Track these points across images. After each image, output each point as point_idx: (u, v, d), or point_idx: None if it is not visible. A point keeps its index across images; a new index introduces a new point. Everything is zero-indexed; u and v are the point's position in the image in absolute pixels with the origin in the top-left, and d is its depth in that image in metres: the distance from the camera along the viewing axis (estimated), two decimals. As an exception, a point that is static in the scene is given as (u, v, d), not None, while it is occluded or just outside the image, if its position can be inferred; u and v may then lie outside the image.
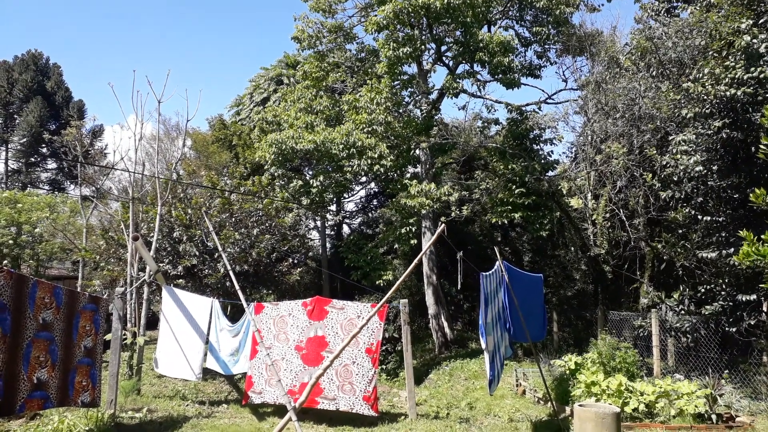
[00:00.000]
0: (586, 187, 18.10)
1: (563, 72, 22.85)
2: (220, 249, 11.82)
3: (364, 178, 26.05)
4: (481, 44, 18.28)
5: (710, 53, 11.98)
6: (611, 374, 10.81)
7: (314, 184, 19.91)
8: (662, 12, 16.07)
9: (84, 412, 9.58)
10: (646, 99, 13.69)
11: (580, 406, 7.72)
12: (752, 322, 11.90)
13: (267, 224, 16.99)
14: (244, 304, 11.17)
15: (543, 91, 24.44)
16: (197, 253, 15.08)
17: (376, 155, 18.21)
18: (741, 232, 9.40)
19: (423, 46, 19.51)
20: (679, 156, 12.14)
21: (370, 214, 30.96)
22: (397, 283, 5.96)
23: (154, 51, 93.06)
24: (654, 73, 14.27)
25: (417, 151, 20.42)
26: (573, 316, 20.73)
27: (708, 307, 12.61)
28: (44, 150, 43.22)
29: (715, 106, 11.36)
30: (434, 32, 20.07)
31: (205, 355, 12.16)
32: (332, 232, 31.15)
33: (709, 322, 12.47)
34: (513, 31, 21.52)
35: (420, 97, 21.32)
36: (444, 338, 19.56)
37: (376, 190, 29.68)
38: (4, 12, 79.35)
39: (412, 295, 22.90)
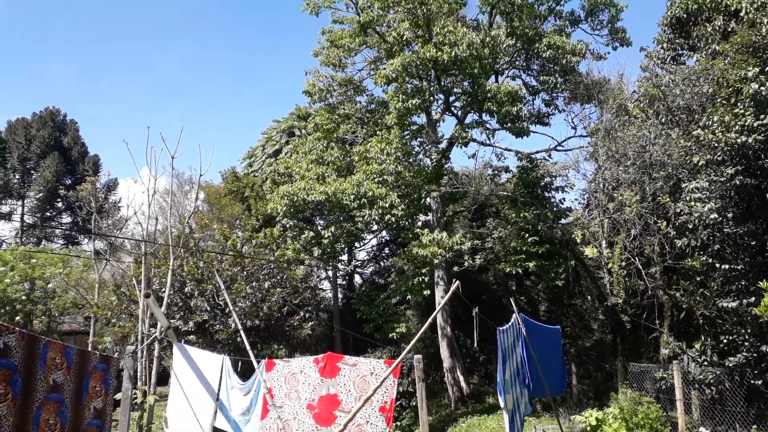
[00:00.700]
0: (600, 235, 17.90)
1: (572, 119, 22.95)
2: (230, 306, 11.72)
3: (375, 227, 26.05)
4: (489, 94, 18.51)
5: (718, 100, 12.00)
6: (634, 431, 10.41)
7: (326, 235, 19.93)
8: (668, 60, 16.24)
9: (92, 477, 9.30)
10: (657, 146, 13.66)
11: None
12: (778, 375, 11.48)
13: (278, 277, 16.90)
14: (254, 363, 10.97)
15: (552, 138, 24.80)
16: (208, 308, 14.97)
17: (387, 205, 18.24)
18: (761, 282, 9.21)
19: (431, 97, 19.81)
20: (692, 203, 12.01)
21: (381, 263, 30.80)
22: (411, 344, 5.81)
23: (168, 104, 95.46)
24: (663, 120, 14.30)
25: (428, 200, 20.44)
26: (592, 368, 20.19)
27: (731, 358, 12.20)
28: (59, 204, 43.86)
29: (726, 153, 11.30)
30: (442, 83, 20.40)
31: (216, 413, 11.89)
32: (344, 282, 30.96)
33: (734, 374, 12.04)
34: (520, 80, 21.87)
35: (429, 146, 21.52)
36: (460, 393, 19.07)
37: (388, 238, 29.62)
38: (27, 72, 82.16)
39: (426, 348, 22.48)
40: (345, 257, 28.43)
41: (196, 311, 15.06)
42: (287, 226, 20.73)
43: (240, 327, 11.02)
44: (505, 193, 20.32)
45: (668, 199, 13.42)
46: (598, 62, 21.97)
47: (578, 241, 18.20)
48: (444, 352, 19.48)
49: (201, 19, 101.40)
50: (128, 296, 16.42)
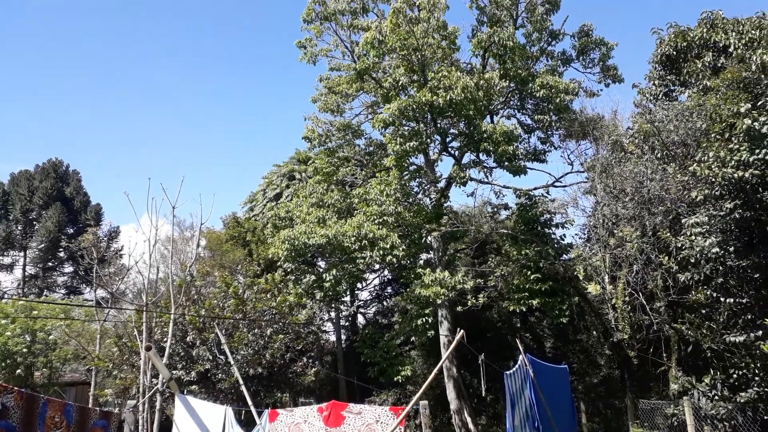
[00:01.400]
0: (602, 270, 17.83)
1: (568, 156, 23.05)
2: (230, 358, 11.60)
3: (377, 266, 26.00)
4: (485, 134, 18.71)
5: (713, 135, 12.14)
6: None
7: (327, 278, 19.87)
8: (660, 96, 16.48)
9: None
10: (654, 181, 13.75)
11: None
12: (792, 410, 11.28)
13: (280, 323, 16.78)
14: (256, 417, 10.82)
15: (550, 174, 25.04)
16: (210, 357, 14.83)
17: (388, 246, 18.24)
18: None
19: (428, 139, 20.04)
20: (693, 238, 12.02)
21: (384, 303, 30.57)
22: (417, 396, 5.74)
23: (169, 150, 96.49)
24: (659, 155, 14.43)
25: (429, 239, 20.46)
26: (601, 405, 19.87)
27: (743, 393, 12.02)
28: (61, 254, 43.87)
29: (724, 187, 11.38)
30: (439, 125, 20.67)
31: (219, 467, 11.63)
32: (347, 323, 30.67)
33: (746, 409, 11.83)
34: (515, 119, 22.14)
35: (428, 186, 21.65)
36: (468, 435, 18.70)
37: (390, 277, 29.48)
38: (29, 126, 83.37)
39: (432, 389, 22.11)
40: (347, 298, 28.24)
41: (198, 361, 14.91)
42: (288, 270, 20.68)
43: (240, 378, 10.89)
44: (505, 231, 20.33)
45: (669, 234, 13.44)
46: (592, 99, 22.24)
47: (581, 277, 18.13)
48: (450, 393, 19.18)
49: (202, 71, 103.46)
50: (129, 347, 16.27)
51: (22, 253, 43.67)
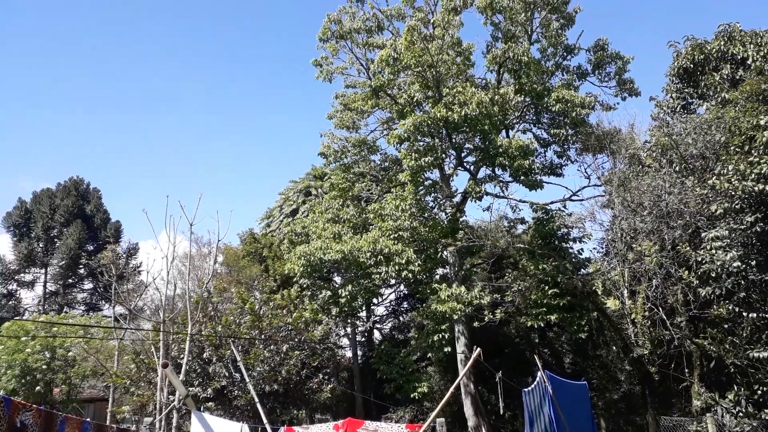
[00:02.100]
0: (621, 284, 17.58)
1: (585, 170, 22.82)
2: (245, 376, 11.61)
3: (393, 281, 25.92)
4: (501, 149, 18.64)
5: (732, 148, 11.99)
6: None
7: (343, 294, 19.85)
8: (678, 109, 16.34)
9: None
10: (672, 195, 13.58)
11: None
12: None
13: (296, 339, 16.76)
14: (271, 432, 10.78)
15: (567, 188, 24.79)
16: (227, 374, 14.84)
17: (403, 261, 18.19)
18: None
19: (443, 154, 20.05)
20: (714, 252, 11.83)
21: (400, 318, 30.41)
22: (433, 414, 5.69)
23: (189, 168, 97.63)
24: (677, 168, 14.26)
25: (445, 254, 20.36)
26: (622, 422, 19.51)
27: (768, 410, 11.73)
28: (81, 271, 44.38)
29: (744, 201, 11.21)
30: (454, 140, 20.65)
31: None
32: (363, 339, 30.54)
33: (773, 426, 11.55)
34: (531, 133, 22.03)
35: (444, 200, 21.60)
36: (486, 453, 18.44)
37: (406, 292, 29.34)
38: (52, 143, 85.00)
39: (449, 405, 21.88)
40: (363, 314, 28.15)
41: (215, 377, 14.93)
42: (304, 286, 20.70)
43: (255, 396, 10.87)
44: (522, 245, 20.17)
45: (688, 248, 13.23)
46: (608, 113, 22.03)
47: (599, 292, 17.89)
48: (468, 410, 18.95)
49: (220, 89, 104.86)
50: (147, 364, 16.35)
51: (43, 270, 44.26)
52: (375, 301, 28.26)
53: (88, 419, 9.04)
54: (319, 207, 22.60)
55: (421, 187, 20.66)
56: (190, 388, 14.51)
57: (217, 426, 12.01)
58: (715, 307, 13.65)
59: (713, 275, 12.21)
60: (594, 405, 19.36)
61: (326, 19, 21.32)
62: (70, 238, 42.78)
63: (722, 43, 14.96)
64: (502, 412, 11.61)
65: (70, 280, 44.43)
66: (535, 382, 9.37)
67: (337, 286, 22.05)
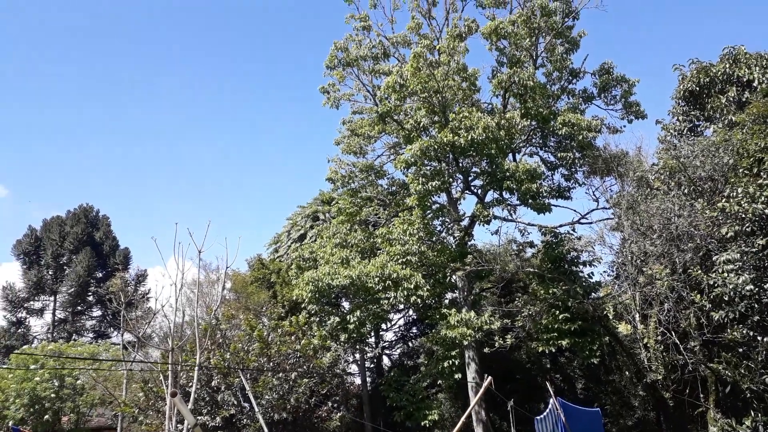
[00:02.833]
0: (632, 308, 17.41)
1: (593, 192, 22.69)
2: (254, 404, 11.51)
3: (401, 307, 25.76)
4: (508, 173, 18.66)
5: (741, 170, 11.95)
6: None
7: (351, 319, 19.76)
8: (684, 131, 16.36)
9: None
10: (682, 218, 13.51)
11: None
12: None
13: (305, 366, 16.64)
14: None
15: (575, 211, 24.54)
16: (235, 403, 14.72)
17: (412, 286, 18.11)
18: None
19: (450, 179, 20.09)
20: (726, 275, 11.72)
21: (410, 344, 30.13)
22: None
23: (197, 195, 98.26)
24: (686, 191, 14.21)
25: (453, 278, 20.27)
26: (637, 450, 19.10)
27: (787, 437, 11.48)
28: (90, 298, 44.46)
29: (755, 223, 11.14)
30: (461, 165, 20.72)
31: None
32: (372, 365, 30.24)
33: (792, 454, 11.28)
34: (538, 157, 22.03)
35: (452, 224, 21.56)
36: (499, 482, 18.09)
37: (415, 317, 29.13)
38: (62, 173, 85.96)
39: (461, 433, 21.54)
40: (372, 339, 27.93)
41: (223, 406, 14.81)
42: (313, 312, 20.62)
43: (264, 424, 10.78)
44: (531, 269, 20.05)
45: (700, 271, 13.11)
46: (615, 136, 22.00)
47: (610, 316, 17.72)
48: (480, 438, 18.66)
49: (228, 116, 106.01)
50: (156, 392, 16.25)
51: (52, 298, 44.35)
52: (384, 326, 28.07)
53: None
54: (327, 232, 22.62)
55: (428, 211, 20.65)
56: (199, 417, 14.40)
57: (226, 456, 11.90)
58: (728, 330, 13.46)
59: (726, 298, 12.08)
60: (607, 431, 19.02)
61: (333, 47, 21.63)
62: (79, 266, 42.94)
63: (727, 65, 15.03)
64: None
65: (79, 308, 44.45)
66: (548, 410, 9.23)
67: (345, 311, 21.96)
